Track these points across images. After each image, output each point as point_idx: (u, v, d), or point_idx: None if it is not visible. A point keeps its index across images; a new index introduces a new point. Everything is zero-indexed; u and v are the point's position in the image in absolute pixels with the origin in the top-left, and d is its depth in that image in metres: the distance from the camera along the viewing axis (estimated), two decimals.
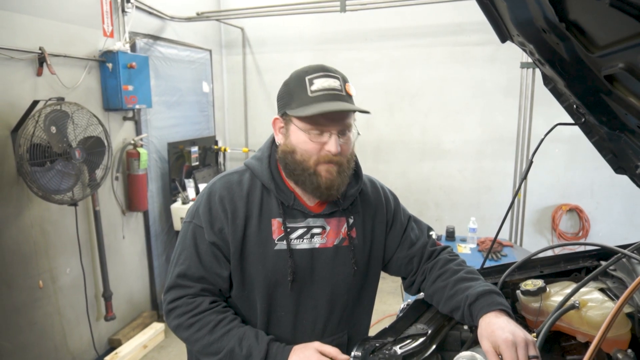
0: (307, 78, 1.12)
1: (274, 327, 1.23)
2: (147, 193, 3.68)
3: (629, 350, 1.07)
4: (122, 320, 3.65)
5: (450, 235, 3.75)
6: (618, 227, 4.54)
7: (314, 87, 1.11)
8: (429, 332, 1.19)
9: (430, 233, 1.40)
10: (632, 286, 0.99)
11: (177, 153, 4.20)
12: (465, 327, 1.27)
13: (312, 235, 1.23)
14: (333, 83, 1.12)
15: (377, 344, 1.17)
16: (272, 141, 1.27)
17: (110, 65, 3.21)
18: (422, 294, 1.43)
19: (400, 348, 1.15)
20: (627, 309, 1.10)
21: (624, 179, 1.29)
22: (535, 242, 4.68)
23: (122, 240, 3.63)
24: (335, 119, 1.12)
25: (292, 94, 1.14)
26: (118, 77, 3.23)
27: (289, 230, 1.21)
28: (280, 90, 1.19)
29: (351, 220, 1.28)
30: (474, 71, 4.58)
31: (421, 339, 1.17)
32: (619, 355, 1.04)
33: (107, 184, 3.40)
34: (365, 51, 4.85)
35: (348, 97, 1.14)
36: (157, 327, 3.71)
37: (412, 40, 4.70)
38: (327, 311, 1.26)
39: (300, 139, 1.14)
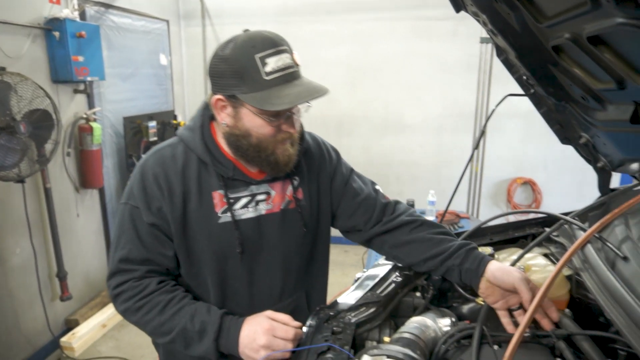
0: (257, 57, 1.01)
1: (230, 299, 1.22)
2: (102, 169, 3.54)
3: (567, 310, 1.13)
4: (80, 300, 3.55)
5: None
6: (567, 199, 4.76)
7: (268, 69, 1.02)
8: (382, 299, 1.22)
9: (376, 187, 1.39)
10: (570, 250, 1.04)
11: (134, 128, 4.04)
12: (418, 294, 1.31)
13: (257, 203, 1.20)
14: (286, 59, 1.05)
15: (331, 313, 1.18)
16: (205, 108, 1.19)
17: (57, 34, 3.01)
18: (380, 261, 1.45)
19: (354, 316, 1.17)
20: (567, 272, 1.16)
21: (574, 152, 1.33)
22: (491, 213, 4.76)
23: (77, 218, 3.50)
24: None
25: (242, 75, 1.02)
26: (66, 47, 3.04)
27: (232, 201, 1.17)
28: (219, 67, 1.05)
29: (296, 182, 1.26)
30: (436, 46, 4.62)
31: (375, 307, 1.20)
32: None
33: (58, 160, 3.25)
34: (329, 24, 4.78)
35: (299, 70, 1.10)
36: None
37: (376, 14, 4.67)
38: (282, 275, 1.25)
39: (256, 124, 1.08)
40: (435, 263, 1.21)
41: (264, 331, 1.03)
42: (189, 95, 5.19)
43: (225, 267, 1.19)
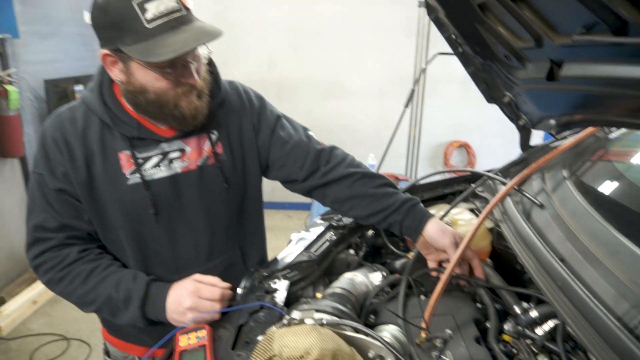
0: (134, 3, 0.92)
1: (152, 262, 1.18)
2: (22, 137, 3.27)
3: (489, 260, 1.20)
4: (5, 277, 3.34)
5: None
6: (499, 160, 5.01)
7: (148, 15, 0.92)
8: (316, 258, 1.23)
9: (309, 133, 1.34)
10: (490, 203, 1.10)
11: (59, 92, 3.74)
12: (351, 251, 1.34)
13: (171, 161, 1.14)
14: (169, 3, 0.94)
15: (265, 273, 1.18)
16: (105, 70, 1.08)
17: None
18: (317, 220, 1.46)
19: (288, 275, 1.18)
20: (489, 225, 1.22)
21: (504, 117, 1.39)
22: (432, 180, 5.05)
23: None
24: None
25: (121, 25, 0.94)
26: None
27: (140, 161, 1.11)
28: (99, 18, 0.97)
29: (214, 136, 1.19)
30: (377, 10, 4.60)
31: (309, 265, 1.21)
32: None
33: None
34: None
35: (189, 14, 0.99)
36: None
37: None
38: (208, 233, 1.21)
39: (150, 77, 1.00)
40: (378, 219, 1.22)
41: (189, 293, 1.01)
42: None
43: (141, 229, 1.14)
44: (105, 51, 0.99)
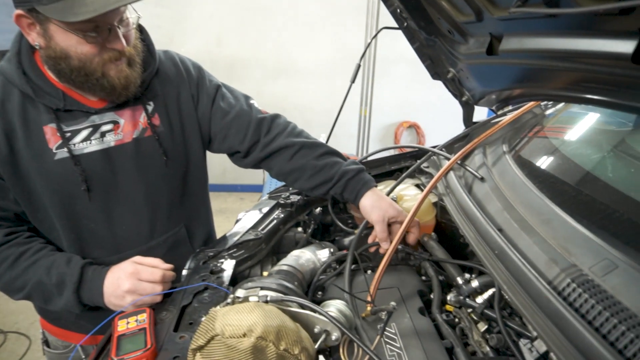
0: None
1: (88, 242, 1.11)
2: None
3: (433, 234, 1.23)
4: None
5: None
6: (447, 139, 5.18)
7: None
8: (263, 236, 1.21)
9: (251, 102, 1.29)
10: (434, 178, 1.12)
11: None
12: (299, 229, 1.33)
13: (103, 134, 1.07)
14: None
15: (210, 253, 1.15)
16: (22, 36, 1.00)
17: None
18: (264, 198, 1.43)
19: (234, 254, 1.15)
20: (434, 199, 1.25)
21: (452, 97, 1.40)
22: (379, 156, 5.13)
23: None
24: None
25: None
26: None
27: (68, 134, 1.03)
28: None
29: (150, 107, 1.13)
30: None
31: (256, 244, 1.19)
32: (425, 238, 1.20)
33: None
34: None
35: None
36: None
37: None
38: (148, 210, 1.15)
39: (72, 41, 0.92)
40: (322, 191, 1.23)
41: (127, 275, 0.96)
42: None
43: (73, 208, 1.07)
44: (20, 12, 0.90)
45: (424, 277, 1.11)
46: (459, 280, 1.00)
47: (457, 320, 0.95)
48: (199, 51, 4.49)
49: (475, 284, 0.96)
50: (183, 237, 1.24)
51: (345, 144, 4.52)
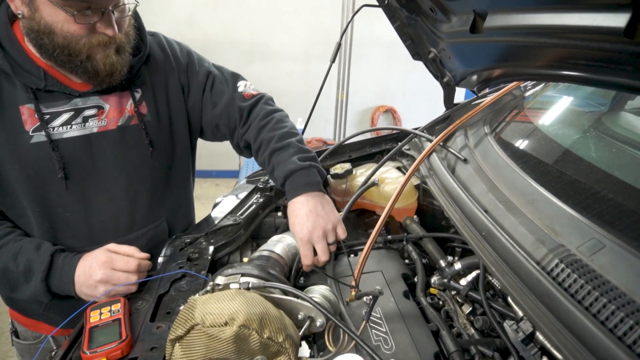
0: None
1: (62, 231, 1.05)
2: None
3: (415, 217, 1.22)
4: None
5: None
6: (423, 124, 5.22)
7: None
8: (242, 221, 1.17)
9: (238, 84, 1.21)
10: (417, 160, 1.10)
11: None
12: (279, 213, 1.30)
13: (85, 119, 1.01)
14: None
15: (187, 240, 1.11)
16: (7, 9, 0.94)
17: None
18: (242, 183, 1.39)
19: (212, 241, 1.11)
20: (416, 182, 1.23)
21: (430, 82, 1.38)
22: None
23: None
24: None
25: None
26: None
27: (47, 117, 0.96)
28: None
29: (137, 94, 1.08)
30: None
31: (234, 229, 1.15)
32: (407, 221, 1.18)
33: None
34: None
35: None
36: None
37: None
38: (128, 202, 1.10)
39: (59, 18, 0.86)
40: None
41: (100, 264, 0.91)
42: None
43: (47, 195, 1.00)
44: None
45: (407, 261, 1.09)
46: (442, 263, 1.00)
47: (441, 303, 0.94)
48: (169, 32, 4.25)
49: (458, 266, 0.96)
50: (163, 231, 1.18)
51: (323, 128, 4.49)
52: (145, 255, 0.97)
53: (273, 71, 4.79)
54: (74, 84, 0.99)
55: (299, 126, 3.67)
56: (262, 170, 1.44)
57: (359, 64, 4.50)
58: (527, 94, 1.42)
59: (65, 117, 0.98)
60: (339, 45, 1.25)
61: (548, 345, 0.66)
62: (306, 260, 0.95)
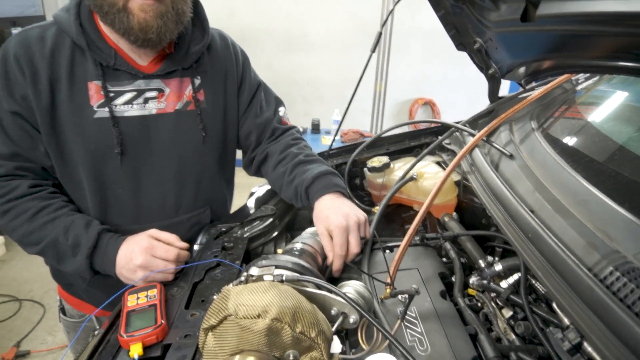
0: None
1: (112, 207, 1.09)
2: None
3: (454, 214, 1.18)
4: None
5: (316, 127, 3.81)
6: (463, 118, 5.07)
7: None
8: (277, 212, 1.17)
9: (279, 108, 1.29)
10: (458, 155, 1.06)
11: None
12: None
13: (146, 100, 1.05)
14: None
15: (223, 229, 1.12)
16: None
17: None
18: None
19: (247, 230, 1.11)
20: (456, 178, 1.19)
21: (471, 74, 1.32)
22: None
23: None
24: None
25: None
26: None
27: (111, 94, 1.01)
28: None
29: (197, 81, 1.12)
30: None
31: (269, 220, 1.15)
32: (446, 219, 1.14)
33: None
34: None
35: None
36: None
37: None
38: (176, 185, 1.13)
39: None
40: (297, 203, 1.14)
41: (141, 250, 0.93)
42: None
43: (103, 169, 1.05)
44: None
45: (444, 259, 1.06)
46: (482, 263, 0.96)
47: (480, 305, 0.90)
48: (210, 22, 4.39)
49: (498, 267, 0.92)
50: (206, 219, 1.21)
51: (360, 119, 4.44)
52: (185, 245, 0.99)
53: (310, 60, 4.77)
54: (140, 66, 1.04)
55: (336, 117, 3.65)
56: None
57: (398, 55, 4.41)
58: (579, 87, 1.34)
59: (128, 96, 1.03)
60: (380, 34, 1.21)
61: (597, 358, 0.61)
62: (341, 249, 0.94)
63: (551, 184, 0.85)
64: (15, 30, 3.49)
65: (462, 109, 5.06)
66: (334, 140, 1.39)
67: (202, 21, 1.14)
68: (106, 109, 1.01)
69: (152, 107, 1.06)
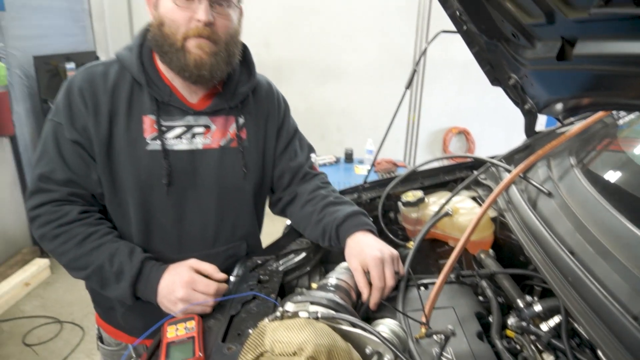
0: None
1: (155, 235, 1.14)
2: (11, 115, 3.17)
3: (490, 251, 1.16)
4: None
5: (349, 157, 3.83)
6: (498, 148, 4.97)
7: None
8: (312, 246, 1.19)
9: (311, 155, 1.35)
10: (494, 192, 1.05)
11: (50, 70, 3.62)
12: None
13: (194, 135, 1.12)
14: None
15: (258, 261, 1.14)
16: (146, 29, 1.11)
17: None
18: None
19: (282, 264, 1.13)
20: (492, 214, 1.18)
21: (506, 103, 1.32)
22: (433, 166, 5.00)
23: None
24: None
25: None
26: None
27: (164, 129, 1.09)
28: None
29: (241, 120, 1.19)
30: None
31: (304, 253, 1.17)
32: (482, 255, 1.13)
33: None
34: None
35: None
36: (41, 263, 3.41)
37: None
38: (216, 217, 1.18)
39: (168, 7, 1.00)
40: (324, 243, 1.17)
41: (183, 283, 0.97)
42: (112, 34, 4.72)
43: (150, 198, 1.11)
44: None
45: (481, 298, 1.04)
46: (520, 303, 0.93)
47: (519, 347, 0.87)
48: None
49: (538, 307, 0.89)
50: (242, 252, 1.25)
51: (393, 149, 4.44)
52: (223, 276, 1.02)
53: (344, 90, 4.84)
54: (190, 103, 1.12)
55: (369, 147, 3.67)
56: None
57: (431, 85, 4.42)
58: (621, 121, 1.31)
59: (178, 131, 1.11)
60: (415, 71, 1.23)
61: None
62: (380, 281, 0.95)
63: (592, 224, 0.83)
64: (69, 65, 3.74)
65: (498, 139, 4.98)
66: (368, 174, 1.41)
67: (249, 65, 1.21)
68: (158, 142, 1.08)
69: (199, 142, 1.12)
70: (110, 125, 1.06)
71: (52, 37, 3.78)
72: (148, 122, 1.08)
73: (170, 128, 1.10)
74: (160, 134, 1.08)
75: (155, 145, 1.08)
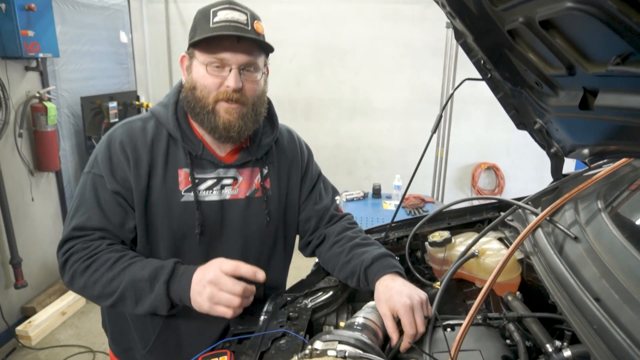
0: (211, 10, 1.07)
1: None
2: (58, 151, 3.39)
3: (518, 293, 1.16)
4: (36, 287, 3.43)
5: (377, 192, 3.85)
6: (529, 184, 4.90)
7: (216, 19, 1.06)
8: (340, 284, 1.21)
9: (336, 197, 1.40)
10: (521, 235, 1.06)
11: (94, 109, 3.88)
12: None
13: (223, 187, 1.19)
14: (238, 16, 1.07)
15: (288, 298, 1.17)
16: (180, 85, 1.20)
17: (3, 5, 2.82)
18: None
19: (310, 301, 1.16)
20: (519, 256, 1.18)
21: None
22: (456, 198, 4.95)
23: (32, 203, 3.34)
24: (237, 51, 1.06)
25: (196, 27, 1.09)
26: (14, 19, 2.85)
27: (197, 181, 1.16)
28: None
29: (265, 171, 1.25)
30: (404, 30, 4.61)
31: (332, 291, 1.20)
32: (509, 298, 1.13)
33: (9, 141, 3.08)
34: (296, 4, 4.69)
35: (255, 34, 1.08)
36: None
37: None
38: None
39: (200, 73, 1.09)
40: (352, 283, 1.19)
41: (208, 282, 0.99)
42: (153, 75, 5.00)
43: (181, 246, 1.17)
44: (184, 53, 1.15)
45: (508, 341, 1.04)
46: (549, 348, 0.93)
47: None
48: (278, 91, 4.74)
49: (567, 353, 0.88)
50: (260, 296, 1.26)
51: (421, 184, 4.45)
52: (261, 277, 1.04)
53: (373, 127, 4.92)
54: (221, 157, 1.20)
55: (397, 182, 3.69)
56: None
57: (459, 121, 4.45)
58: None
59: (209, 182, 1.18)
60: (441, 117, 1.28)
61: None
62: (412, 328, 0.96)
63: (619, 271, 0.84)
64: (112, 104, 3.98)
65: (528, 173, 4.92)
66: (397, 210, 1.43)
67: (272, 116, 1.29)
68: (191, 193, 1.15)
69: (227, 193, 1.20)
70: (149, 178, 1.13)
71: (98, 79, 4.05)
72: (183, 174, 1.15)
73: (202, 180, 1.17)
74: (194, 186, 1.15)
75: (189, 196, 1.15)
